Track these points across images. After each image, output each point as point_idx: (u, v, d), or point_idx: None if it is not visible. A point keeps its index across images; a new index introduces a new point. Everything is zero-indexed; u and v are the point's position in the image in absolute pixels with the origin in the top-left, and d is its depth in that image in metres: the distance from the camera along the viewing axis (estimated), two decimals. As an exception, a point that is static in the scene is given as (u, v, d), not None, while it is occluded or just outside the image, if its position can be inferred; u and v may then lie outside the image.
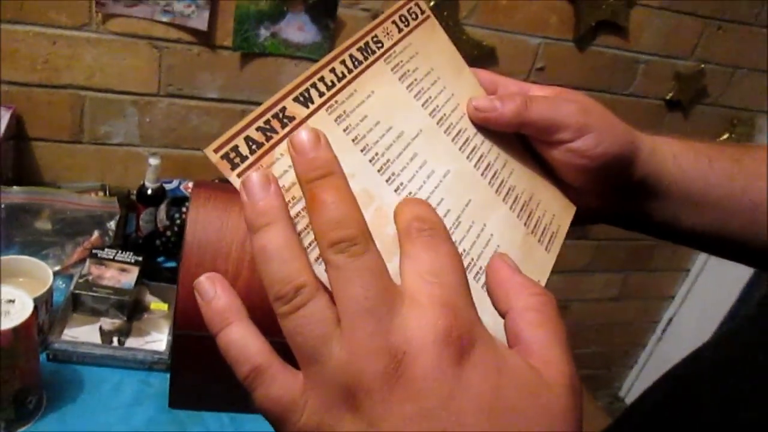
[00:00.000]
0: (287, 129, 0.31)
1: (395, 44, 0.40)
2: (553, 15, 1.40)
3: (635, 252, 1.94)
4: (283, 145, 0.31)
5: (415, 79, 0.40)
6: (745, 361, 0.39)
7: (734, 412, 0.35)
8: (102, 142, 1.23)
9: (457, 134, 0.40)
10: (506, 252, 0.38)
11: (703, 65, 1.61)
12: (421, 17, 0.42)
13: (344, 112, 0.34)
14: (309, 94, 0.33)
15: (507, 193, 0.41)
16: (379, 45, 0.39)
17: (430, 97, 0.40)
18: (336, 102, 0.34)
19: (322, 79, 0.34)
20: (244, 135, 0.30)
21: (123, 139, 1.24)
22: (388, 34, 0.39)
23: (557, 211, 0.44)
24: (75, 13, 1.09)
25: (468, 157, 0.40)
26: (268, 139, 0.30)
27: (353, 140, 0.34)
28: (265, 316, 1.03)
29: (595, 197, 0.44)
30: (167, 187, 1.22)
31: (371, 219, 0.31)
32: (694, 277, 2.07)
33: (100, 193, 1.20)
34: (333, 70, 0.35)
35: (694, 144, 0.46)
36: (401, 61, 0.40)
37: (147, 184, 1.16)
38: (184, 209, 1.17)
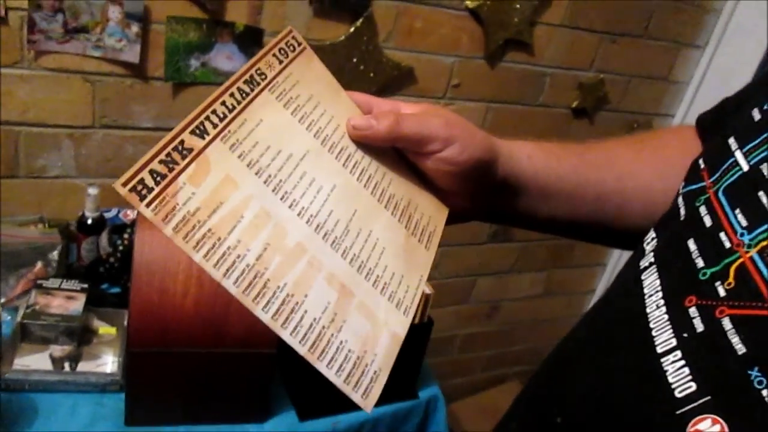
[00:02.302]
0: (187, 159, 0.35)
1: (277, 75, 0.43)
2: (464, 35, 1.52)
3: (556, 251, 2.08)
4: (186, 173, 0.35)
5: (299, 105, 0.44)
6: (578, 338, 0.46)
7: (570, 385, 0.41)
8: (38, 176, 1.25)
9: (340, 152, 0.44)
10: (390, 252, 0.43)
11: (602, 75, 1.76)
12: (298, 48, 0.46)
13: (237, 140, 0.38)
14: (204, 126, 0.37)
15: (388, 201, 0.45)
16: (263, 77, 0.42)
17: (314, 120, 0.44)
18: (229, 132, 0.38)
19: (214, 111, 0.38)
20: (148, 168, 0.33)
21: (59, 171, 1.26)
22: (270, 66, 0.43)
23: (433, 213, 0.48)
24: (6, 51, 1.12)
25: (351, 172, 0.44)
26: (170, 170, 0.34)
27: (248, 165, 0.38)
28: (213, 330, 1.10)
29: (465, 198, 0.49)
30: (106, 215, 1.25)
31: (271, 234, 0.36)
32: (610, 270, 2.22)
33: (40, 225, 1.22)
34: (224, 103, 0.39)
35: (544, 145, 0.52)
36: (284, 90, 0.43)
37: (87, 213, 1.19)
38: (125, 236, 1.20)
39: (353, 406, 1.29)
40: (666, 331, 0.35)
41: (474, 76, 1.58)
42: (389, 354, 0.40)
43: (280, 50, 0.45)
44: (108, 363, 1.04)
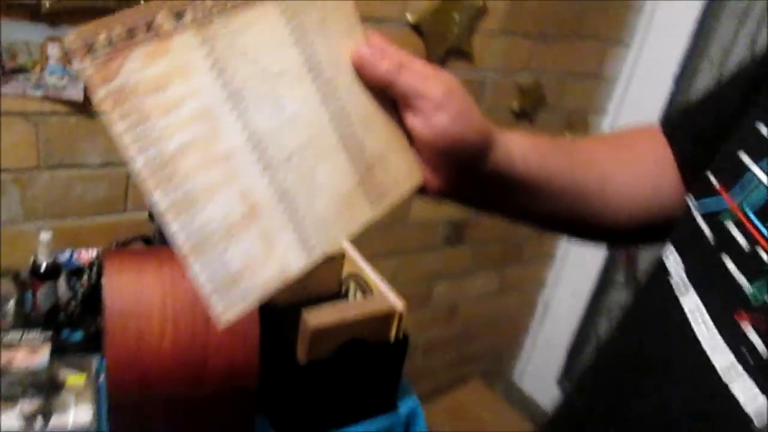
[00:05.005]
0: (150, 35, 0.33)
1: None
2: (405, 48, 1.53)
3: (507, 247, 2.13)
4: (142, 48, 0.33)
5: (301, 22, 0.40)
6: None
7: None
8: (-17, 225, 1.19)
9: (325, 83, 0.41)
10: (325, 196, 0.41)
11: (539, 77, 1.82)
12: None
13: (212, 35, 0.36)
14: (185, 12, 0.35)
15: (353, 147, 0.43)
16: None
17: (312, 42, 0.41)
18: (209, 23, 0.36)
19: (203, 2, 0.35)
20: (107, 27, 0.32)
21: (6, 217, 1.21)
22: None
23: (400, 178, 0.46)
24: (-60, 98, 1.07)
25: (326, 106, 0.41)
26: (130, 38, 0.32)
27: (212, 64, 0.36)
28: (193, 370, 1.09)
29: (440, 178, 0.47)
30: (61, 259, 1.21)
31: (203, 133, 0.35)
32: (560, 261, 2.29)
33: (-10, 277, 1.16)
34: None
35: (539, 142, 0.51)
36: (291, 5, 0.40)
37: (41, 259, 1.14)
38: (84, 279, 1.16)
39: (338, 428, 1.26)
40: (722, 351, 0.35)
41: (419, 87, 1.60)
42: (268, 284, 0.38)
43: None
44: (82, 413, 1.00)
